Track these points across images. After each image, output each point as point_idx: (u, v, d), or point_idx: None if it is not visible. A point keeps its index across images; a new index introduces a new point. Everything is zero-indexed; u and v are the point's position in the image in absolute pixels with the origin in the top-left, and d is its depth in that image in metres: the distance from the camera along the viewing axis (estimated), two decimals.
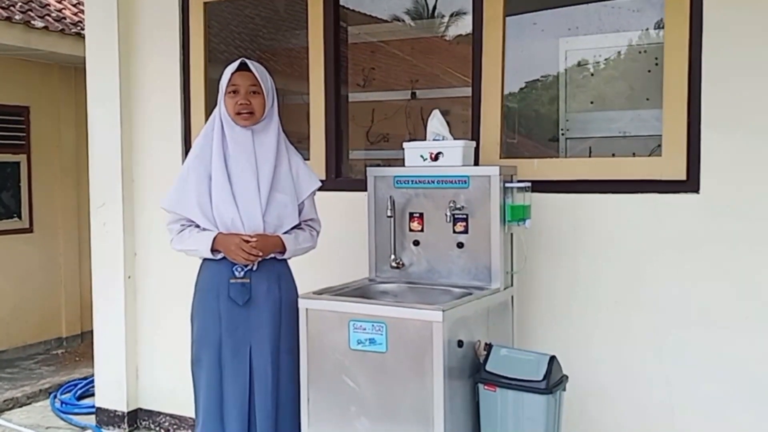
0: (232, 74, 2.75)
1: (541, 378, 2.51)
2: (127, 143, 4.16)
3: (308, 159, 3.59)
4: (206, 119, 3.60)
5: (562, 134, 3.68)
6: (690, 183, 2.91)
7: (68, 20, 6.63)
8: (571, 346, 3.06)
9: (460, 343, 2.55)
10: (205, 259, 2.80)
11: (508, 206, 2.86)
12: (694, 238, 2.91)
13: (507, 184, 2.87)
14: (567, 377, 2.64)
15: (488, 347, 2.62)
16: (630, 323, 3.02)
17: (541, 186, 3.07)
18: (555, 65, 3.79)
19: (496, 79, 3.24)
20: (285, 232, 2.78)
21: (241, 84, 2.74)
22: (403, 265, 3.01)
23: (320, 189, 2.95)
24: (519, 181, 2.93)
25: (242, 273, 2.72)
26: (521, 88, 3.98)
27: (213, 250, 2.70)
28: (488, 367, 2.57)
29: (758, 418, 2.83)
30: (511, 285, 2.96)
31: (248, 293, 2.72)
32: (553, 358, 2.56)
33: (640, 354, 3.01)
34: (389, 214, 2.96)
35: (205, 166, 2.74)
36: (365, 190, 3.10)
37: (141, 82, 4.17)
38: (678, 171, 2.92)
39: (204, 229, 2.73)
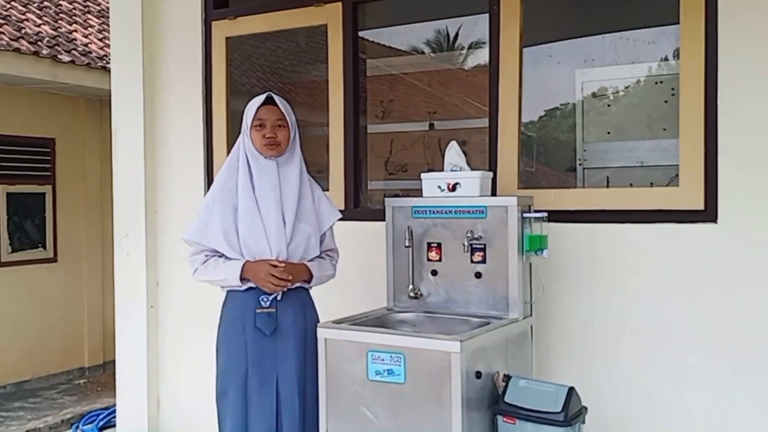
0: (259, 108, 2.79)
1: (559, 410, 2.50)
2: (151, 175, 4.24)
3: (327, 189, 3.64)
4: (228, 151, 3.68)
5: (580, 164, 3.69)
6: (707, 213, 2.91)
7: (94, 54, 6.81)
8: (590, 376, 3.05)
9: (479, 374, 2.55)
10: (229, 291, 2.82)
11: (526, 236, 2.87)
12: (712, 268, 2.91)
13: (524, 214, 2.89)
14: (586, 408, 2.63)
15: (507, 378, 2.61)
16: (648, 353, 3.01)
17: (558, 216, 3.08)
18: (572, 96, 3.82)
19: (513, 110, 3.27)
20: (308, 261, 2.82)
21: (267, 118, 2.79)
22: (421, 294, 3.03)
23: (339, 219, 2.99)
24: (536, 211, 2.95)
25: (268, 303, 2.74)
26: (540, 117, 4.01)
27: (242, 279, 2.73)
28: (507, 399, 2.56)
29: None
30: (530, 315, 2.95)
31: (275, 323, 2.74)
32: (571, 390, 2.55)
33: (659, 383, 2.99)
34: (407, 244, 2.98)
35: (230, 197, 2.77)
36: (384, 220, 3.12)
37: (165, 114, 4.25)
38: (695, 201, 2.92)
39: (229, 259, 2.76)
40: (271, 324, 2.73)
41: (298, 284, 2.79)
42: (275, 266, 2.68)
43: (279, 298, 2.75)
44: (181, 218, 4.01)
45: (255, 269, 2.71)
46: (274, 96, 2.83)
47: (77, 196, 7.08)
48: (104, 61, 6.65)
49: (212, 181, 3.42)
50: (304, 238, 2.80)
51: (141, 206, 4.22)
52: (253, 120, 2.79)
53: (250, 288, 2.75)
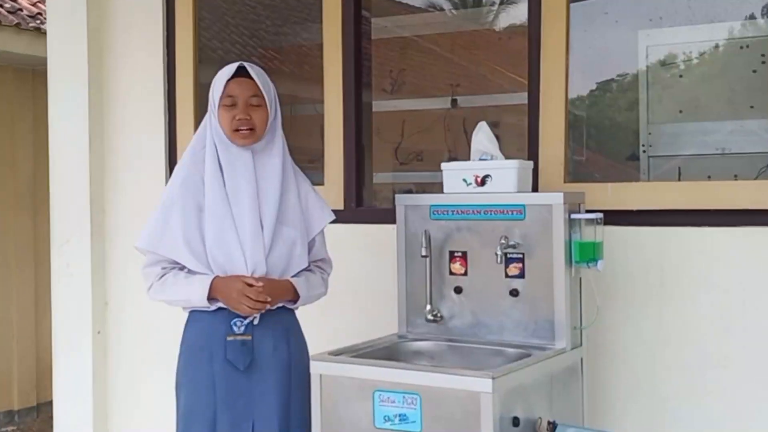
0: (228, 82, 2.78)
1: None
2: (98, 165, 4.23)
3: (322, 183, 3.65)
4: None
5: (644, 151, 3.69)
6: None
7: (25, 12, 6.82)
8: (660, 422, 3.04)
9: (516, 421, 2.52)
10: (192, 312, 2.82)
11: (576, 243, 2.87)
12: None
13: (573, 215, 2.88)
14: None
15: (552, 426, 2.60)
16: (738, 391, 2.98)
17: (617, 217, 3.06)
18: (633, 64, 3.82)
19: (559, 82, 3.27)
20: (293, 276, 2.82)
21: (239, 94, 2.78)
22: (441, 317, 3.02)
23: (337, 221, 3.00)
24: (589, 212, 2.94)
25: (242, 329, 2.73)
26: (592, 91, 4.00)
27: (209, 299, 2.72)
28: None
29: None
30: (580, 344, 2.94)
31: (250, 354, 2.73)
32: None
33: (751, 430, 2.97)
34: (424, 253, 2.96)
35: (193, 194, 2.77)
36: (393, 222, 3.13)
37: (115, 88, 4.25)
38: None
39: (191, 272, 2.75)
40: (246, 355, 2.73)
41: (280, 304, 2.78)
42: (251, 284, 2.68)
43: (256, 322, 2.75)
44: (137, 219, 3.99)
45: (225, 287, 2.70)
46: (248, 66, 2.81)
47: (4, 192, 7.07)
48: (38, 21, 6.66)
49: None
50: (288, 246, 2.80)
51: (86, 205, 4.21)
52: (221, 97, 2.78)
53: (220, 309, 2.75)
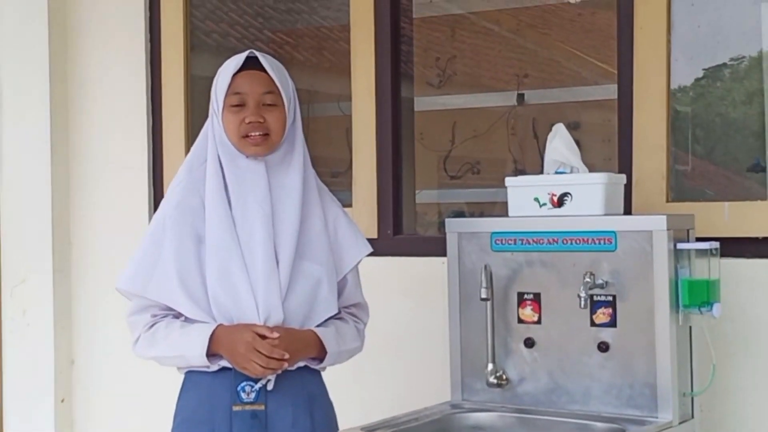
0: (234, 76, 2.79)
1: None
2: (62, 182, 4.27)
3: (349, 204, 3.65)
4: (189, 142, 3.70)
5: None
6: None
7: None
8: None
9: None
10: (189, 373, 2.82)
11: (684, 282, 2.86)
12: None
13: (680, 245, 2.88)
14: None
15: None
16: None
17: (737, 247, 3.07)
18: (754, 43, 3.78)
19: (658, 69, 3.29)
20: (318, 326, 2.81)
21: (248, 92, 2.78)
22: (507, 380, 3.02)
23: (370, 253, 2.96)
24: (700, 240, 2.93)
25: (253, 395, 2.73)
26: (698, 79, 3.97)
27: (210, 355, 2.72)
28: None
29: None
30: (691, 416, 2.92)
31: (263, 429, 2.73)
32: None
33: None
34: (484, 295, 2.97)
35: (191, 220, 2.78)
36: (443, 254, 3.15)
37: (84, 82, 4.29)
38: None
39: (188, 320, 2.76)
40: (258, 431, 2.73)
41: (301, 364, 2.78)
42: (263, 336, 2.68)
43: (270, 387, 2.75)
44: (114, 254, 4.03)
45: (230, 339, 2.70)
46: (260, 56, 2.83)
47: None
48: None
49: (161, 192, 3.41)
50: (311, 287, 2.80)
51: (46, 234, 4.24)
52: (226, 95, 2.79)
53: (224, 369, 2.75)
